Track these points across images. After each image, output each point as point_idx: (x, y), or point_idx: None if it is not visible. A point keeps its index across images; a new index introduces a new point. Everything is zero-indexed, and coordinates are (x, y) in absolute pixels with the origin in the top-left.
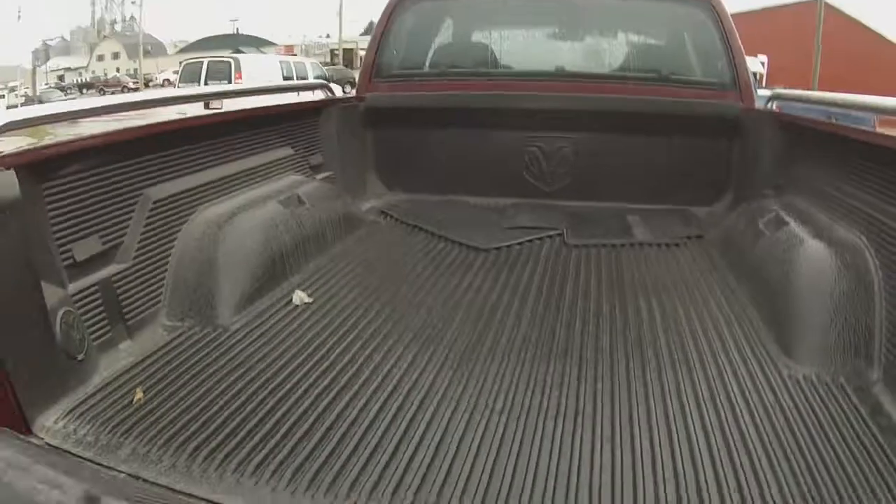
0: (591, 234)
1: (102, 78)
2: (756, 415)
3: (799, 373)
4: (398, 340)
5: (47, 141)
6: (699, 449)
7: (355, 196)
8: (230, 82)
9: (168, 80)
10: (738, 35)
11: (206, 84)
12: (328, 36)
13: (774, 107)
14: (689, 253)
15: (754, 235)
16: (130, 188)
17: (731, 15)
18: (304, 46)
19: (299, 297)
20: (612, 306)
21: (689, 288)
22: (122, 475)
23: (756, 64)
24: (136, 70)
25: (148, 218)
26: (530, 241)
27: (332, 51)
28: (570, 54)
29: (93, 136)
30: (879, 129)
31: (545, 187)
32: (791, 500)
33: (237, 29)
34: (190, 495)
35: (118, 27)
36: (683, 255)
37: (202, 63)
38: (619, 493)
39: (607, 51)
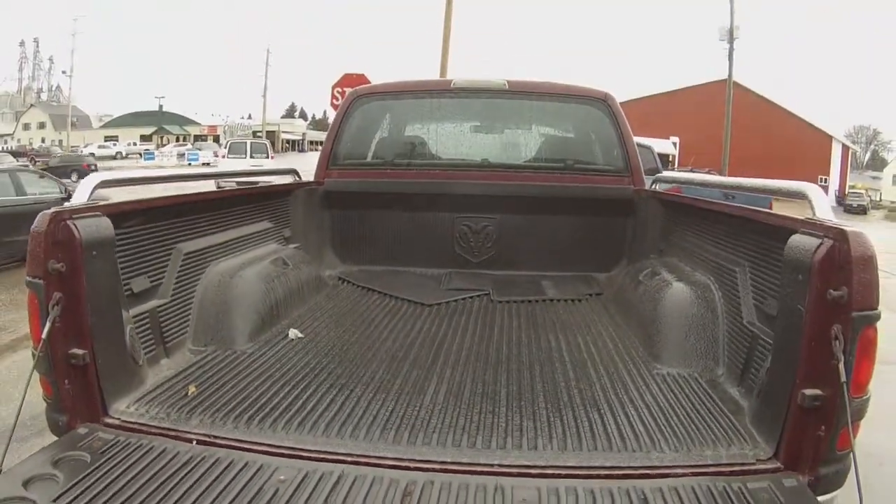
0: (512, 293)
1: (28, 147)
2: (636, 400)
3: (664, 371)
4: (372, 359)
5: (118, 200)
6: (596, 423)
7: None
8: (268, 157)
9: (93, 153)
10: (629, 126)
11: (251, 157)
12: (250, 117)
13: (658, 188)
14: (589, 305)
15: (635, 285)
16: (170, 242)
17: (649, 96)
18: (226, 127)
19: (294, 333)
20: (529, 338)
21: (587, 326)
22: (197, 437)
23: (668, 146)
24: (61, 141)
25: (181, 266)
26: (464, 299)
27: (254, 132)
28: (492, 147)
29: (145, 200)
30: (775, 207)
31: (473, 259)
32: (665, 450)
33: (161, 106)
34: (258, 443)
35: (44, 96)
36: (585, 307)
37: (246, 143)
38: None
39: (523, 144)
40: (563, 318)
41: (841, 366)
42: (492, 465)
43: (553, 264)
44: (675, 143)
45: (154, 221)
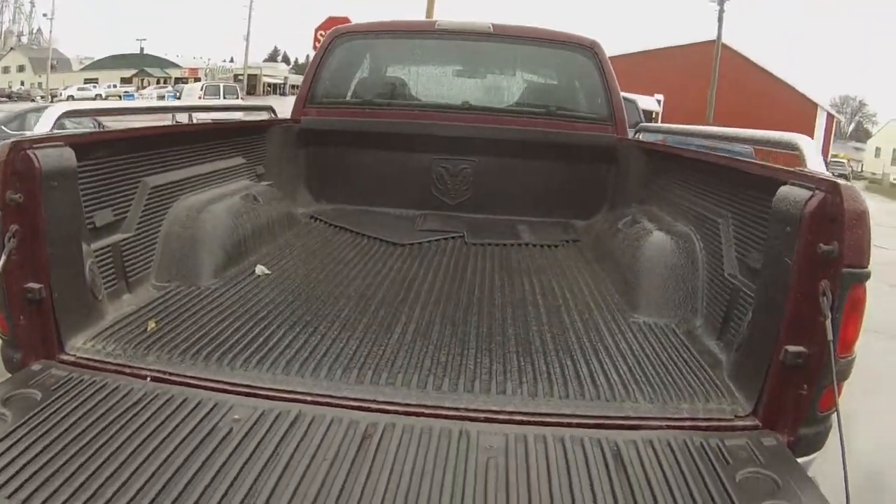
0: (486, 236)
1: (7, 89)
2: (611, 348)
3: (641, 320)
4: (340, 297)
5: (81, 131)
6: (569, 370)
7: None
8: (238, 97)
9: (72, 96)
10: (615, 76)
11: (224, 97)
12: (232, 60)
13: (640, 137)
14: (565, 251)
15: (614, 233)
16: (136, 175)
17: (634, 53)
18: (208, 70)
19: (261, 269)
20: (503, 281)
21: (562, 272)
22: (152, 374)
23: (652, 103)
24: (40, 84)
25: (147, 199)
26: (438, 240)
27: (235, 75)
28: (474, 90)
29: (111, 132)
30: (756, 157)
31: (450, 201)
32: (640, 401)
33: (142, 49)
34: (214, 380)
35: (24, 39)
36: (561, 253)
37: (220, 85)
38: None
39: (506, 88)
40: (539, 263)
41: (828, 323)
42: (458, 410)
43: (531, 210)
44: (659, 101)
45: (121, 154)
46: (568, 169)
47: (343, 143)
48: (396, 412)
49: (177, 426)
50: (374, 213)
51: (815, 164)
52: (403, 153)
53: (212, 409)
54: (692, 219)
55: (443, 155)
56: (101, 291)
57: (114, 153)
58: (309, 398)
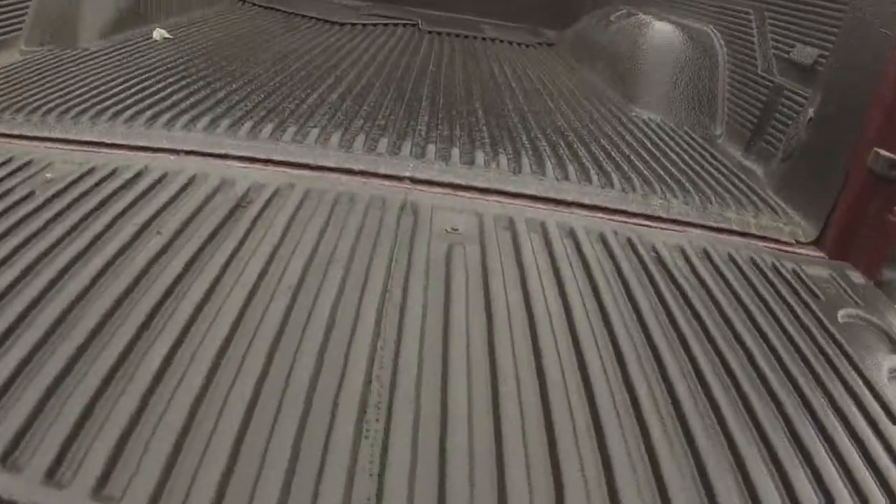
0: (444, 27)
1: None
2: (613, 137)
3: (645, 116)
4: (252, 62)
5: None
6: (563, 150)
7: None
8: None
9: None
10: None
11: None
12: None
13: None
14: (536, 51)
15: (605, 25)
16: None
17: None
18: None
19: (160, 33)
20: (465, 63)
21: (539, 64)
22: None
23: None
24: None
25: None
26: (385, 24)
27: None
28: None
29: None
30: None
31: None
32: (669, 197)
33: None
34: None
35: None
36: (532, 51)
37: None
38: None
39: None
40: (507, 55)
41: None
42: (400, 178)
43: (496, 12)
44: None
45: None
46: None
47: None
48: (300, 175)
49: None
50: (312, 1)
51: None
52: None
53: (24, 166)
54: (710, 14)
55: None
56: None
57: None
58: (172, 155)
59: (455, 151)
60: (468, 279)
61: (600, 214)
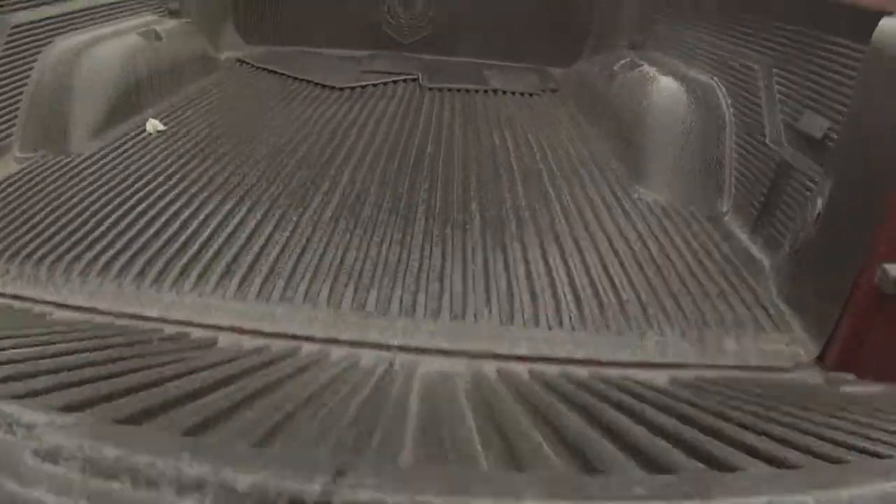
0: (446, 80)
1: None
2: (614, 237)
3: (650, 199)
4: (249, 159)
5: None
6: (560, 273)
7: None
8: None
9: None
10: None
11: None
12: None
13: None
14: (542, 101)
15: (609, 77)
16: None
17: None
18: None
19: (153, 124)
20: (465, 135)
21: (540, 126)
22: None
23: None
24: None
25: (8, 44)
26: (385, 83)
27: None
28: None
29: None
30: None
31: (403, 39)
32: (666, 331)
33: None
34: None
35: None
36: (537, 101)
37: None
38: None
39: None
40: (511, 114)
41: None
42: (388, 347)
43: (499, 52)
44: None
45: None
46: (543, 1)
47: None
48: (295, 345)
49: None
50: (315, 55)
51: None
52: None
53: None
54: (714, 65)
55: None
56: None
57: None
58: (148, 323)
59: (446, 298)
60: None
61: (592, 368)
